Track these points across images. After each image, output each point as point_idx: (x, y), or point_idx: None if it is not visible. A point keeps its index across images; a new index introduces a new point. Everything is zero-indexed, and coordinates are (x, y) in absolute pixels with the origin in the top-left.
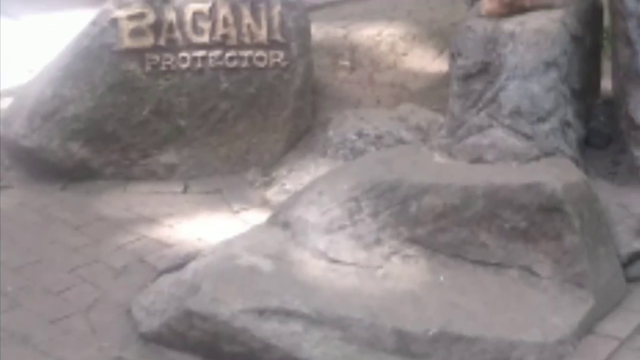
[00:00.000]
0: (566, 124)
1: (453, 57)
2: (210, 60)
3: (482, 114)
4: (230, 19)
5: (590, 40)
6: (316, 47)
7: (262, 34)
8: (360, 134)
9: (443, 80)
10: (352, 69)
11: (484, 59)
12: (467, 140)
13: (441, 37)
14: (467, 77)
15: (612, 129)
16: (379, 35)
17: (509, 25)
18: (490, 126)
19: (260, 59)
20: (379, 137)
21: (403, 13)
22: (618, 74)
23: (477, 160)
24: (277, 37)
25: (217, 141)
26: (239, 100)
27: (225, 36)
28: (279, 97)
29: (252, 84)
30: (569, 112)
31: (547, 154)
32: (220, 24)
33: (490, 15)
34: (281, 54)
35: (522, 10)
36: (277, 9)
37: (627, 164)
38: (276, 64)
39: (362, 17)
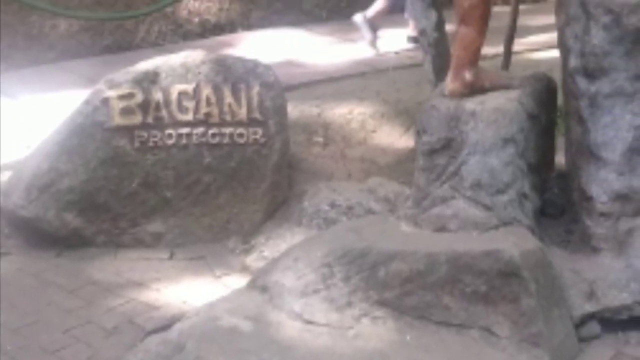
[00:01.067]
0: (523, 196)
1: (419, 133)
2: (194, 137)
3: (446, 186)
4: (213, 99)
5: (545, 118)
6: (292, 124)
7: (242, 113)
8: (332, 205)
9: (409, 155)
10: (325, 144)
11: (447, 135)
12: (431, 211)
13: (407, 115)
14: (432, 152)
15: (565, 201)
16: (350, 113)
17: (470, 104)
18: (453, 198)
19: (241, 135)
20: (350, 208)
21: (372, 93)
22: (571, 150)
23: (441, 229)
24: (256, 115)
25: (200, 211)
26: (221, 174)
27: (208, 114)
28: (258, 171)
29: (233, 158)
30: (525, 185)
31: (506, 223)
32: (203, 103)
33: (453, 95)
34: (260, 131)
35: (482, 90)
36: (256, 90)
37: (579, 233)
38: (255, 140)
39: (334, 97)
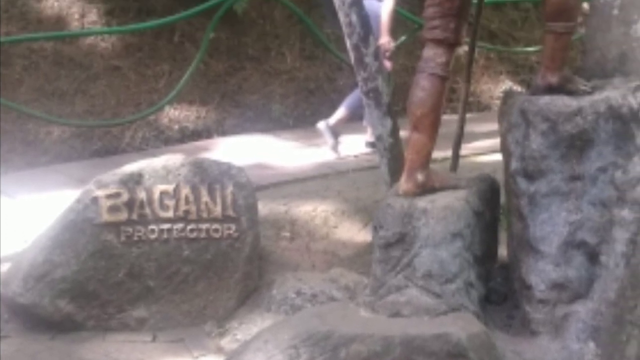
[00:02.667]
0: (469, 285)
1: (376, 229)
2: (175, 232)
3: (400, 276)
4: (191, 198)
5: (489, 215)
6: (262, 220)
7: (217, 210)
8: (298, 293)
9: (368, 249)
10: (292, 239)
11: (401, 230)
12: (387, 298)
13: (366, 212)
14: (388, 246)
15: (507, 289)
16: (314, 210)
17: (422, 203)
18: (407, 286)
19: (216, 230)
20: (314, 296)
21: (334, 193)
22: (512, 243)
23: (396, 314)
24: (230, 212)
25: (180, 299)
26: (198, 265)
27: (187, 212)
28: (232, 262)
29: (209, 251)
30: (471, 275)
31: (454, 309)
32: (182, 201)
33: (407, 195)
34: (233, 227)
35: (433, 190)
36: (229, 189)
37: (519, 318)
38: (229, 235)
39: (300, 196)
